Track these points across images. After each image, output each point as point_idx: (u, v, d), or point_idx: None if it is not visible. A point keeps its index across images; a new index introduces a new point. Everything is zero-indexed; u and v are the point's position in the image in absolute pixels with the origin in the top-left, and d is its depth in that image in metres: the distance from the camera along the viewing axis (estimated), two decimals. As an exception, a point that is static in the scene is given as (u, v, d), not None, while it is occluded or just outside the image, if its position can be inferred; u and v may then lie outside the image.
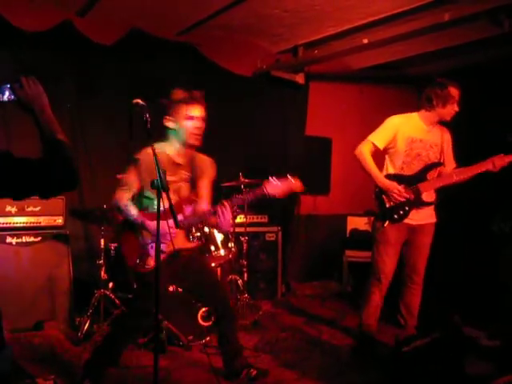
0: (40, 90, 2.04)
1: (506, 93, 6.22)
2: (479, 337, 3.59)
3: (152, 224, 3.39)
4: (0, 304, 1.95)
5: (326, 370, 4.14)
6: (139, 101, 2.83)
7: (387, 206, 4.34)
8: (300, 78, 6.94)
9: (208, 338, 4.59)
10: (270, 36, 6.34)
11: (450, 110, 4.29)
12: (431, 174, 4.36)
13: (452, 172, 4.38)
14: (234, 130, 6.64)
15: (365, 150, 4.35)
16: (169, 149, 3.63)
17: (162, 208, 2.71)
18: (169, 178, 3.24)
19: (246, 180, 5.22)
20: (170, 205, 2.69)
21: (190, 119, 3.54)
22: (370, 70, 7.12)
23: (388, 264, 4.42)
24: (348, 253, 6.71)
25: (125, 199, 3.54)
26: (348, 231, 6.94)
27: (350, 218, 6.93)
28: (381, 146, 4.37)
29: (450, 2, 4.83)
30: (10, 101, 2.01)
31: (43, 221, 4.97)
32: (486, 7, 4.56)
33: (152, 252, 3.53)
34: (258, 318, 5.31)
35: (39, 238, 4.89)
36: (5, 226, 4.86)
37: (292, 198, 7.13)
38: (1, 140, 5.15)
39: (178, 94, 3.58)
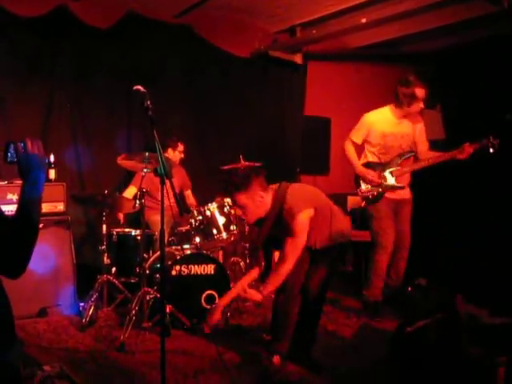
0: (43, 158, 1.88)
1: (503, 71, 6.17)
2: (481, 315, 3.61)
3: None
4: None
5: (330, 350, 4.17)
6: (140, 87, 2.76)
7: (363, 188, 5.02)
8: (298, 58, 6.90)
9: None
10: (268, 16, 6.28)
11: (415, 107, 4.77)
12: (404, 162, 4.90)
13: (425, 158, 4.90)
14: (232, 111, 6.61)
15: (347, 146, 5.05)
16: None
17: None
18: None
19: (247, 162, 5.19)
20: (174, 193, 2.68)
21: None
22: (366, 49, 7.07)
23: (388, 232, 4.91)
24: (349, 232, 6.69)
25: None
26: (348, 210, 6.93)
27: (350, 198, 6.90)
28: (359, 142, 5.02)
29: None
30: (10, 162, 1.88)
31: (44, 207, 4.82)
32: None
33: None
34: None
35: (41, 225, 4.76)
36: (6, 213, 4.80)
37: (292, 177, 7.13)
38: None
39: None
